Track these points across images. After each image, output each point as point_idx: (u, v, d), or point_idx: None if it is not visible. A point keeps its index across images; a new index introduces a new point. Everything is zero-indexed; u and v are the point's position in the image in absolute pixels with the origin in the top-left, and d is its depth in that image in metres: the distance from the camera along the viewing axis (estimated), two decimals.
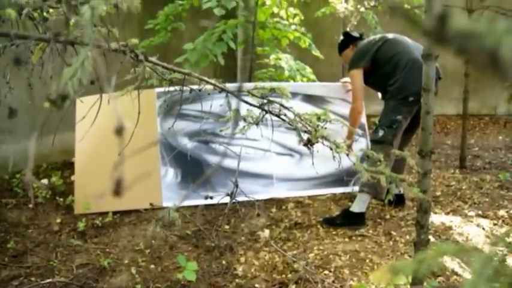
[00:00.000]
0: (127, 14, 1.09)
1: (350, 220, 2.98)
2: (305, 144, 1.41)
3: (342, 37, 3.35)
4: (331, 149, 1.41)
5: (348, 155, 1.55)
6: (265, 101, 1.47)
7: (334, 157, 1.48)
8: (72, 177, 3.17)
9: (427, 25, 0.28)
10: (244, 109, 1.60)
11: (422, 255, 0.46)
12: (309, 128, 1.37)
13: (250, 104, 1.50)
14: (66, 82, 0.71)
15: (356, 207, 2.98)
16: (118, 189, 0.54)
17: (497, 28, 0.30)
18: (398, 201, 3.17)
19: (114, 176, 0.54)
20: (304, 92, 3.43)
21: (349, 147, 3.22)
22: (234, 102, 1.69)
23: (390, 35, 3.18)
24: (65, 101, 0.69)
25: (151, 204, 3.00)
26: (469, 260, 0.45)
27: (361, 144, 3.38)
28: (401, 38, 3.11)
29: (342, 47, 3.31)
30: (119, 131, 0.55)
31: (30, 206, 3.07)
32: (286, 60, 3.13)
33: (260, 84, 1.60)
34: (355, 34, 3.30)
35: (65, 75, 0.71)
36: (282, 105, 1.42)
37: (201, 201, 2.90)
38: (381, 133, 2.93)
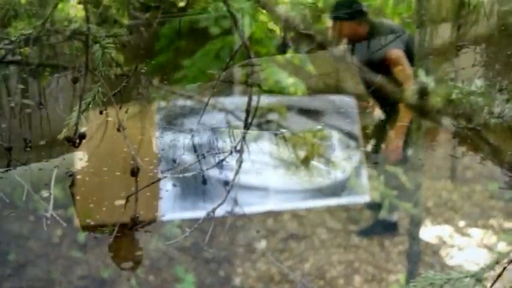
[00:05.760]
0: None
1: (386, 228, 2.93)
2: (301, 163, 1.48)
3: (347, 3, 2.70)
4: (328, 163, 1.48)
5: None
6: (263, 120, 1.54)
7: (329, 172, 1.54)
8: (72, 190, 3.22)
9: (410, 99, 0.35)
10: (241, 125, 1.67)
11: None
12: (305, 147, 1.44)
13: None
14: (79, 116, 0.77)
15: (393, 216, 2.91)
16: (134, 226, 0.61)
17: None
18: (392, 228, 3.00)
19: (129, 212, 0.61)
20: (300, 105, 3.51)
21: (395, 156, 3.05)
22: (232, 118, 1.77)
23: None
24: (83, 140, 0.76)
25: (153, 220, 3.06)
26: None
27: (356, 157, 3.44)
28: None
29: (347, 14, 2.75)
30: (134, 173, 0.62)
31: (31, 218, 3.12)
32: (281, 75, 3.21)
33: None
34: (365, 9, 2.72)
35: (79, 111, 0.77)
36: (279, 124, 1.49)
37: (200, 214, 2.96)
38: None
